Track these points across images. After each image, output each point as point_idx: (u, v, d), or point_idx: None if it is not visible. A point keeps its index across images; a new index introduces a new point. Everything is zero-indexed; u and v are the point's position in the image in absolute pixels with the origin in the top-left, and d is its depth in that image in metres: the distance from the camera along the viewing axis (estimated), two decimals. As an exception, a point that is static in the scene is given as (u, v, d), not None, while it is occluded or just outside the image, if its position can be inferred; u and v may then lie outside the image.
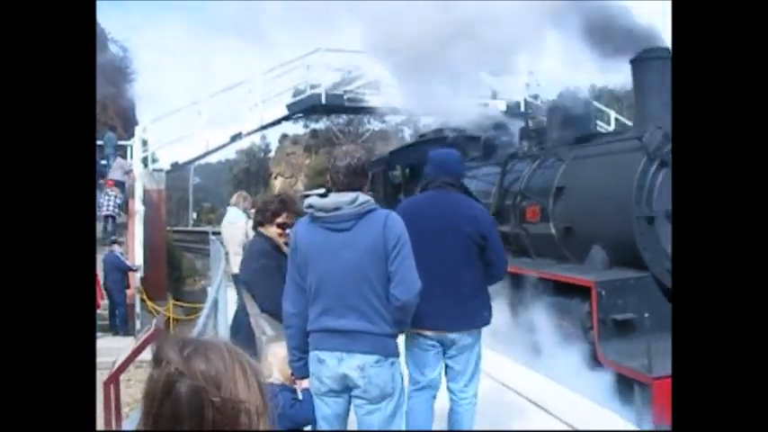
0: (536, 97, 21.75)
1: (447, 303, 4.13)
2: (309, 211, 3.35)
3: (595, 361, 6.52)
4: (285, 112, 20.47)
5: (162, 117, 19.95)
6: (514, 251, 9.05)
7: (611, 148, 7.85)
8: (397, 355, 3.37)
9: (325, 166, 34.62)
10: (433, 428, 4.47)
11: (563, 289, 7.41)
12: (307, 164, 47.05)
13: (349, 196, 3.27)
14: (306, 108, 21.55)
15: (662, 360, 5.96)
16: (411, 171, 12.66)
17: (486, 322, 4.32)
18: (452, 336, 4.20)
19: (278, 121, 21.49)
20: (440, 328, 4.18)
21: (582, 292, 6.95)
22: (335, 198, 3.31)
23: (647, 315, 5.99)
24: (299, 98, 20.64)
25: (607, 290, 6.65)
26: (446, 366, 4.33)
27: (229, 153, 58.18)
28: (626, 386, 6.12)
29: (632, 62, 7.61)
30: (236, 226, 7.21)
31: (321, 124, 46.02)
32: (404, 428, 3.55)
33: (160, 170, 19.08)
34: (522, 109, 19.29)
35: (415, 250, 3.47)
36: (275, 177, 48.76)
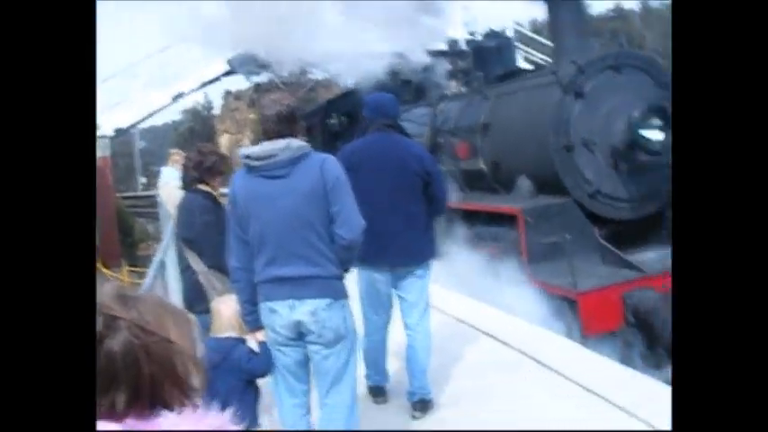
0: (473, 34, 21.78)
1: (398, 239, 4.31)
2: (246, 161, 3.30)
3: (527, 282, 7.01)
4: (226, 67, 20.23)
5: (99, 83, 19.58)
6: (448, 187, 9.44)
7: (531, 84, 8.23)
8: (346, 296, 3.38)
9: (270, 120, 34.26)
10: (389, 364, 4.71)
11: (495, 219, 7.88)
12: (252, 118, 46.46)
13: (282, 143, 3.22)
14: (247, 61, 21.29)
15: (585, 277, 6.49)
16: (348, 118, 12.90)
17: (434, 254, 4.56)
18: (405, 269, 4.40)
19: (218, 78, 21.28)
20: (394, 264, 4.36)
21: (512, 220, 7.42)
22: (268, 146, 3.25)
23: (568, 237, 6.49)
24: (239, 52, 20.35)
25: (533, 216, 7.13)
26: (400, 300, 4.51)
27: (174, 114, 56.92)
28: (557, 303, 6.62)
29: (547, 1, 7.94)
30: (171, 185, 7.15)
31: (264, 77, 45.33)
32: (359, 369, 3.61)
33: (103, 137, 18.87)
34: (464, 47, 19.36)
35: (365, 191, 3.58)
36: (221, 135, 48.14)
